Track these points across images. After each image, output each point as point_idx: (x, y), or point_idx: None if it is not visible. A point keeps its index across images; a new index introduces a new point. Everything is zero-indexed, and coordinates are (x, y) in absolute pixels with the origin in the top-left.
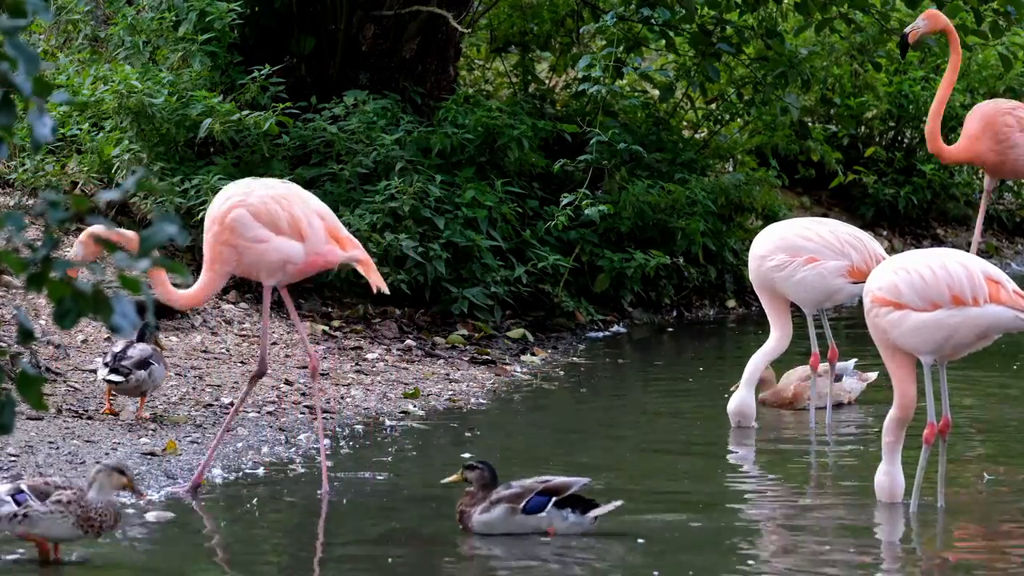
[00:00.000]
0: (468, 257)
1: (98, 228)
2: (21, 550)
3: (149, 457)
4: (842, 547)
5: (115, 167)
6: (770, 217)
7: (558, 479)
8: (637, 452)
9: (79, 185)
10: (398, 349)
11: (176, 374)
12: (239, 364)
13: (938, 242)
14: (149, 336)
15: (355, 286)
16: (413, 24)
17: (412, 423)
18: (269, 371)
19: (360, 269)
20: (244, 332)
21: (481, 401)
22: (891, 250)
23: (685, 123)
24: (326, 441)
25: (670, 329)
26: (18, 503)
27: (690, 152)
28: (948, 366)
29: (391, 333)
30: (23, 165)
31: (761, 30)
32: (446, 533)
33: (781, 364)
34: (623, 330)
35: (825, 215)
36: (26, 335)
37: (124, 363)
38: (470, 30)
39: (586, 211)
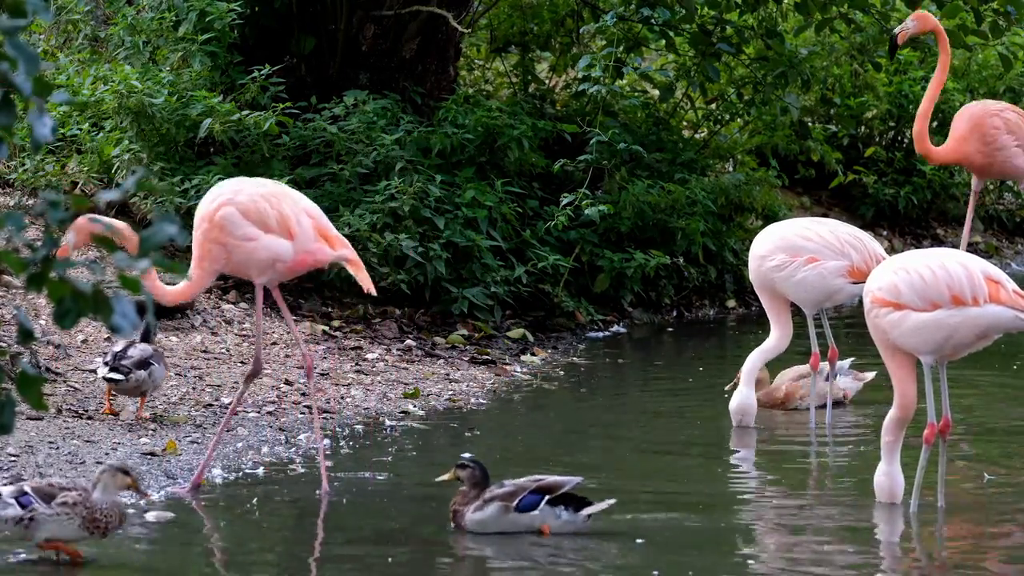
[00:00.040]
0: (468, 257)
1: (88, 219)
2: (21, 550)
3: (149, 457)
4: (842, 547)
5: (115, 167)
6: (770, 217)
7: (551, 477)
8: (637, 452)
9: (79, 185)
10: (398, 349)
11: (176, 374)
12: (239, 364)
13: (938, 242)
14: (153, 336)
15: (355, 286)
16: (413, 24)
17: (412, 423)
18: (269, 371)
19: (349, 268)
20: (244, 332)
21: (481, 401)
22: (891, 250)
23: (685, 123)
24: (326, 441)
25: (670, 329)
26: (23, 506)
27: (690, 152)
28: (948, 366)
29: (391, 333)
30: (23, 165)
31: (761, 30)
32: (446, 533)
33: (780, 364)
34: (623, 330)
35: (825, 215)
36: (26, 335)
37: (124, 362)
38: (470, 30)
39: (586, 211)
